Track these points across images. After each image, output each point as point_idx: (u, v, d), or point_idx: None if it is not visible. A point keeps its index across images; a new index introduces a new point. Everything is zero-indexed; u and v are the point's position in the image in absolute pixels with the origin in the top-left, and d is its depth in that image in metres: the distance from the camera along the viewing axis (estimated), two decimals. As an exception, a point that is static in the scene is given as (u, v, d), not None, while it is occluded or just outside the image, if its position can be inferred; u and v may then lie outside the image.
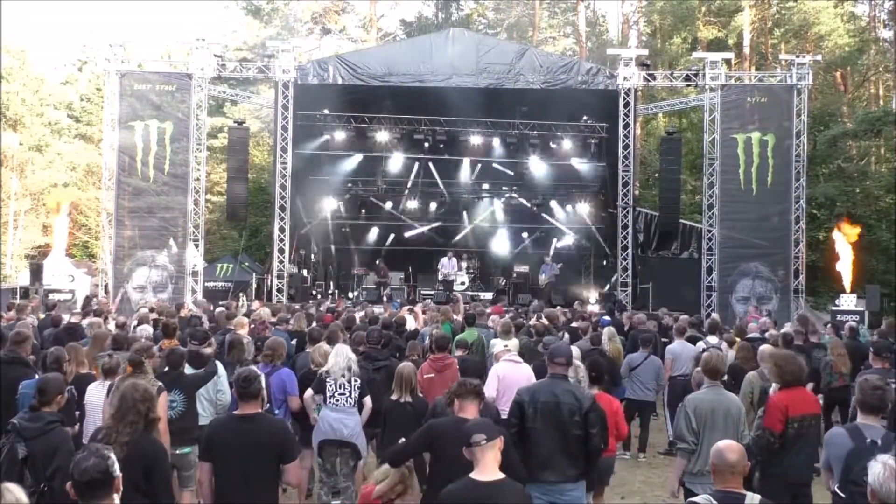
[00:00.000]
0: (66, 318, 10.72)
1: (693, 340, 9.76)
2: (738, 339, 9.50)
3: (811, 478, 5.28)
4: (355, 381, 6.21)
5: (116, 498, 3.10)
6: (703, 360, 5.72)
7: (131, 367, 5.77)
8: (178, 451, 5.67)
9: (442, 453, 4.35)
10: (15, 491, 2.75)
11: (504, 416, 5.59)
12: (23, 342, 6.45)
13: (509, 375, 6.63)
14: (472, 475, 3.52)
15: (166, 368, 6.21)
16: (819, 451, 5.12)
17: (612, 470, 6.58)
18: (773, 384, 5.79)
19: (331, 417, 6.11)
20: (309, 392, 6.33)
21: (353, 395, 6.16)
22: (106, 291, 17.33)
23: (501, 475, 3.55)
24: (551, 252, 21.86)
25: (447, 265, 20.01)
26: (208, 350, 6.85)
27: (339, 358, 6.25)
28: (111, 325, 9.73)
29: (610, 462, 6.34)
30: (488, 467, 3.52)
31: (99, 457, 3.11)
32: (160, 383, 5.66)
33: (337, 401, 6.13)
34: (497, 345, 7.84)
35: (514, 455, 4.45)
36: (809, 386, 7.00)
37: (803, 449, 5.11)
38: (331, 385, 6.15)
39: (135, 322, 10.45)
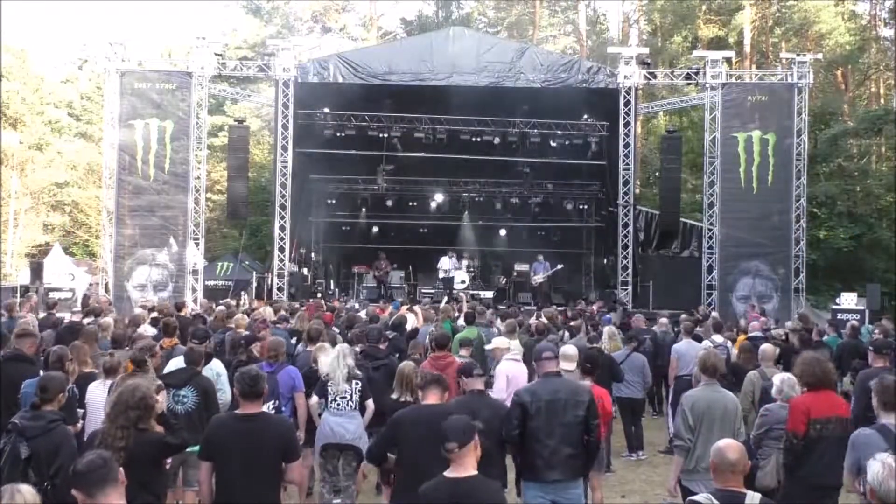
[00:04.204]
0: (66, 316, 10.72)
1: (699, 339, 9.76)
2: (739, 337, 9.53)
3: (840, 482, 4.92)
4: (356, 383, 6.20)
5: (122, 493, 3.10)
6: (700, 359, 5.76)
7: (133, 365, 5.76)
8: (186, 449, 5.56)
9: (405, 441, 4.57)
10: (26, 493, 2.75)
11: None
12: (24, 337, 6.42)
13: (517, 376, 6.69)
14: (447, 473, 3.57)
15: (183, 364, 6.18)
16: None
17: (602, 454, 6.60)
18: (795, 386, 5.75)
19: (332, 421, 6.11)
20: (315, 398, 6.35)
21: (354, 399, 6.15)
22: (106, 290, 17.34)
23: (474, 472, 3.58)
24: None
25: (447, 264, 20.01)
26: (201, 348, 6.82)
27: (339, 363, 6.24)
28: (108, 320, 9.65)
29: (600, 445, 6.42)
30: (463, 466, 3.56)
31: (100, 453, 3.14)
32: (160, 382, 5.65)
33: (338, 404, 6.12)
34: (497, 342, 7.76)
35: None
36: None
37: (828, 451, 4.98)
38: (332, 389, 6.15)
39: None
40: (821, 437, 5.00)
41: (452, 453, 3.55)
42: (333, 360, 6.29)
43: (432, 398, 4.76)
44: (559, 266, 19.63)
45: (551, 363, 5.18)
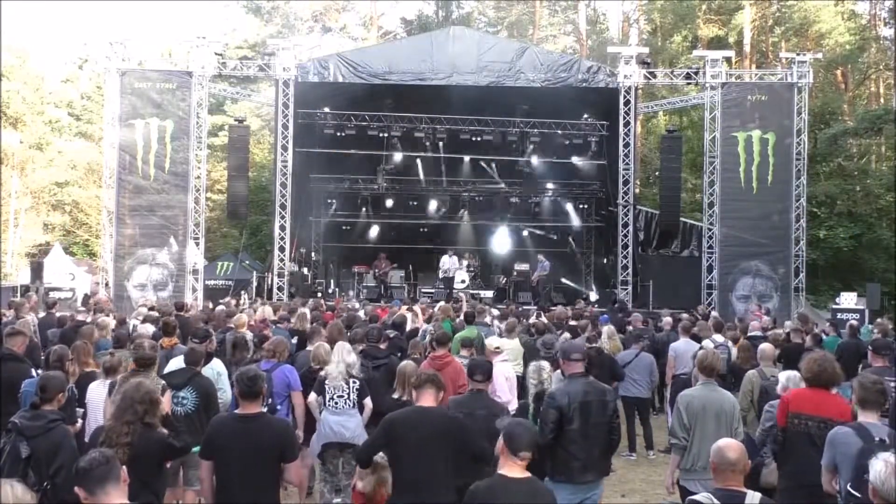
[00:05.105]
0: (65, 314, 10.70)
1: (698, 339, 9.75)
2: (741, 337, 9.54)
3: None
4: (354, 382, 6.20)
5: (124, 491, 3.10)
6: (698, 358, 5.76)
7: (137, 365, 5.74)
8: (188, 453, 5.45)
9: (400, 443, 4.32)
10: (17, 488, 2.74)
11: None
12: (14, 336, 6.41)
13: (510, 378, 6.70)
14: (502, 472, 3.55)
15: (183, 365, 6.18)
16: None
17: None
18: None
19: (331, 420, 6.11)
20: (313, 395, 6.34)
21: (351, 398, 6.15)
22: (106, 289, 17.34)
23: (528, 473, 3.59)
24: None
25: (448, 263, 20.01)
26: (200, 348, 6.81)
27: (338, 362, 6.24)
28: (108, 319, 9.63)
29: None
30: (519, 467, 3.56)
31: (103, 451, 3.14)
32: (164, 382, 5.65)
33: (336, 403, 6.13)
34: (492, 343, 7.72)
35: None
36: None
37: (813, 449, 4.82)
38: (329, 388, 6.15)
39: (136, 321, 10.45)
40: (799, 433, 4.88)
41: (524, 459, 3.56)
42: (333, 360, 6.29)
43: (427, 399, 4.53)
44: (547, 263, 19.62)
45: (579, 364, 5.11)
